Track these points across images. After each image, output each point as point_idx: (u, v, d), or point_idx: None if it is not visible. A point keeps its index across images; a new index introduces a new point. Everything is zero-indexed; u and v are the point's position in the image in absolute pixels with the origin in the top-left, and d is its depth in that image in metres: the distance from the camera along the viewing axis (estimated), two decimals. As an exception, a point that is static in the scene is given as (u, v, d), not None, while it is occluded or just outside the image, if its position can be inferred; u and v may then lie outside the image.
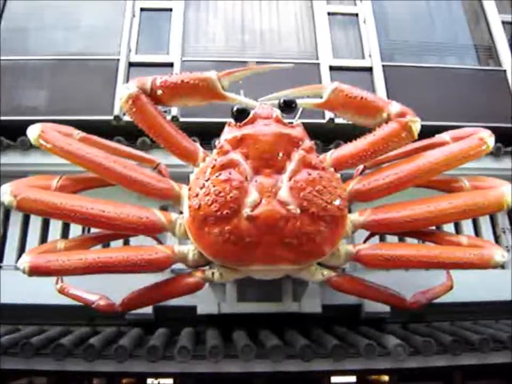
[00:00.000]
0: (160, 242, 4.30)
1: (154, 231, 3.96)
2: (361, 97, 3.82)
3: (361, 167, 4.14)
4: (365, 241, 4.24)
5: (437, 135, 4.19)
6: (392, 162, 4.03)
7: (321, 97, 3.89)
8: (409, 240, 4.91)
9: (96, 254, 3.70)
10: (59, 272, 3.66)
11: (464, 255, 3.72)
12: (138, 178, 3.75)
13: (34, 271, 3.53)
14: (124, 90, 3.72)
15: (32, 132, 3.79)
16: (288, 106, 3.74)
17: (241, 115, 3.72)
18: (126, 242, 4.92)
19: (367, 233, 4.27)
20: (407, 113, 3.78)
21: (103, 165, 3.72)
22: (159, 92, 3.75)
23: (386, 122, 3.79)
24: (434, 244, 4.07)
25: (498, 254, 3.68)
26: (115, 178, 3.79)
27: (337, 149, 3.92)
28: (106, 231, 4.12)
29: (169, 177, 4.04)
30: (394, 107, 3.80)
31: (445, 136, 4.12)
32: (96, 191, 4.03)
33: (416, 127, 3.75)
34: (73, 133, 3.97)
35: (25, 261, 3.52)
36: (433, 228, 4.36)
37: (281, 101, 3.76)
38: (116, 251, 3.86)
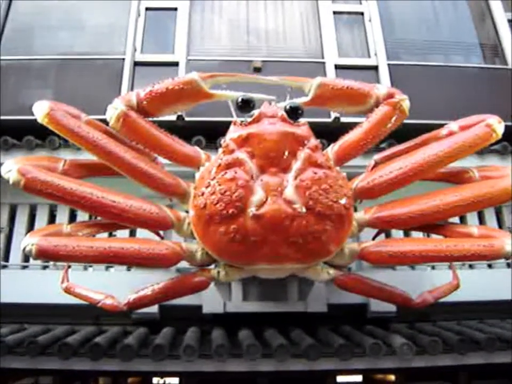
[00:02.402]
0: (161, 238, 4.28)
1: (163, 227, 3.95)
2: (347, 87, 3.86)
3: (372, 163, 4.14)
4: (373, 239, 4.23)
5: (445, 125, 4.15)
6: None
7: (306, 94, 3.90)
8: (414, 234, 4.90)
9: (107, 243, 3.65)
10: (67, 258, 3.57)
11: (473, 246, 3.65)
12: (148, 171, 3.72)
13: (42, 254, 3.49)
14: (111, 110, 3.66)
15: (40, 109, 3.66)
16: (293, 112, 3.74)
17: (246, 105, 3.72)
18: (132, 233, 4.90)
19: (375, 231, 4.27)
20: (395, 93, 3.85)
21: (114, 154, 3.68)
22: (146, 103, 3.72)
23: (377, 106, 3.83)
24: (444, 236, 4.02)
25: (509, 244, 3.61)
26: (124, 169, 3.75)
27: (337, 142, 3.91)
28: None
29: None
30: (381, 90, 3.87)
31: (453, 125, 4.08)
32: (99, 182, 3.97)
33: (407, 104, 3.81)
34: (81, 116, 3.89)
35: (32, 242, 3.44)
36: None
37: (287, 106, 3.76)
38: (127, 242, 3.80)
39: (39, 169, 3.57)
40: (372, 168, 4.11)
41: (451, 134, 3.99)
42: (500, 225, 5.45)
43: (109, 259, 3.61)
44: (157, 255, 3.63)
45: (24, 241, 3.50)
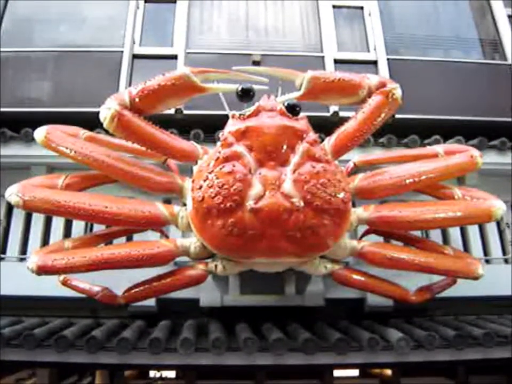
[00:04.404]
0: (166, 236, 4.32)
1: (157, 224, 4.00)
2: (338, 79, 3.88)
3: (351, 165, 4.23)
4: (360, 238, 4.33)
5: (429, 147, 4.47)
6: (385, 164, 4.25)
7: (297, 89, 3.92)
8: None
9: (99, 251, 3.72)
10: (64, 270, 3.69)
11: (453, 264, 3.95)
12: (139, 174, 3.79)
13: (42, 270, 3.57)
14: (105, 111, 3.65)
15: (39, 134, 3.86)
16: (291, 110, 3.74)
17: (246, 95, 3.74)
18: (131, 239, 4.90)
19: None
20: (386, 83, 3.90)
21: (105, 162, 3.76)
22: (139, 101, 3.71)
23: (369, 96, 3.87)
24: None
25: (479, 268, 3.89)
26: (117, 175, 3.84)
27: (333, 135, 3.92)
28: (113, 228, 4.31)
29: (178, 171, 4.07)
30: (372, 80, 3.91)
31: (438, 148, 4.31)
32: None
33: (398, 92, 3.86)
34: (79, 133, 4.04)
35: (33, 261, 3.57)
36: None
37: (285, 104, 3.76)
38: (119, 247, 3.87)
39: (36, 188, 3.72)
40: (351, 170, 4.28)
41: (435, 155, 4.22)
42: (498, 222, 5.44)
43: (102, 266, 3.63)
44: (147, 255, 3.65)
45: (28, 261, 3.61)
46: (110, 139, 4.14)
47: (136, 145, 4.15)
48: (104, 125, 3.69)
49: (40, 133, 3.87)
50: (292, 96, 3.86)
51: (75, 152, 3.79)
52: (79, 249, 3.88)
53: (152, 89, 3.70)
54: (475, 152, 4.12)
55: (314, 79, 3.85)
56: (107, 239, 4.40)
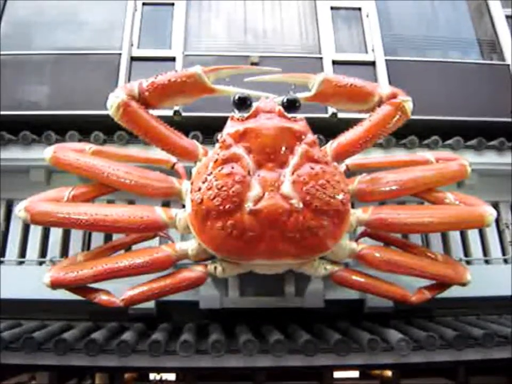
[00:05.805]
0: (172, 241, 4.36)
1: (156, 228, 4.07)
2: (350, 84, 3.92)
3: (343, 167, 4.21)
4: (356, 240, 4.31)
5: (420, 153, 4.55)
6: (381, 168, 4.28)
7: (309, 90, 3.96)
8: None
9: (104, 262, 3.82)
10: (74, 282, 3.81)
11: (445, 269, 4.07)
12: (138, 182, 3.88)
13: (55, 284, 3.77)
14: (113, 98, 3.74)
15: (47, 153, 4.06)
16: (291, 105, 3.74)
17: (242, 103, 3.75)
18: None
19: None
20: (398, 94, 3.92)
21: (105, 174, 3.89)
22: (148, 94, 3.78)
23: (379, 105, 3.89)
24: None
25: (468, 275, 4.04)
26: (117, 185, 3.94)
27: (336, 139, 3.96)
28: (123, 238, 4.52)
29: (186, 176, 4.09)
30: (384, 89, 3.95)
31: (428, 155, 4.38)
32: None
33: (409, 106, 3.88)
34: (86, 148, 4.17)
35: (48, 276, 3.77)
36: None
37: (285, 99, 3.77)
38: (121, 257, 3.95)
39: (41, 203, 3.86)
40: (343, 172, 4.22)
41: (426, 162, 4.29)
42: (497, 222, 5.43)
43: (108, 276, 3.77)
44: (148, 261, 3.74)
45: (44, 276, 3.80)
46: (116, 150, 4.30)
47: (142, 154, 4.26)
48: (110, 113, 3.78)
49: (48, 152, 4.05)
50: (302, 96, 3.88)
51: (78, 167, 3.96)
52: (88, 261, 3.97)
53: (162, 84, 3.78)
54: (465, 162, 4.23)
55: (326, 81, 3.89)
56: (116, 250, 4.47)
